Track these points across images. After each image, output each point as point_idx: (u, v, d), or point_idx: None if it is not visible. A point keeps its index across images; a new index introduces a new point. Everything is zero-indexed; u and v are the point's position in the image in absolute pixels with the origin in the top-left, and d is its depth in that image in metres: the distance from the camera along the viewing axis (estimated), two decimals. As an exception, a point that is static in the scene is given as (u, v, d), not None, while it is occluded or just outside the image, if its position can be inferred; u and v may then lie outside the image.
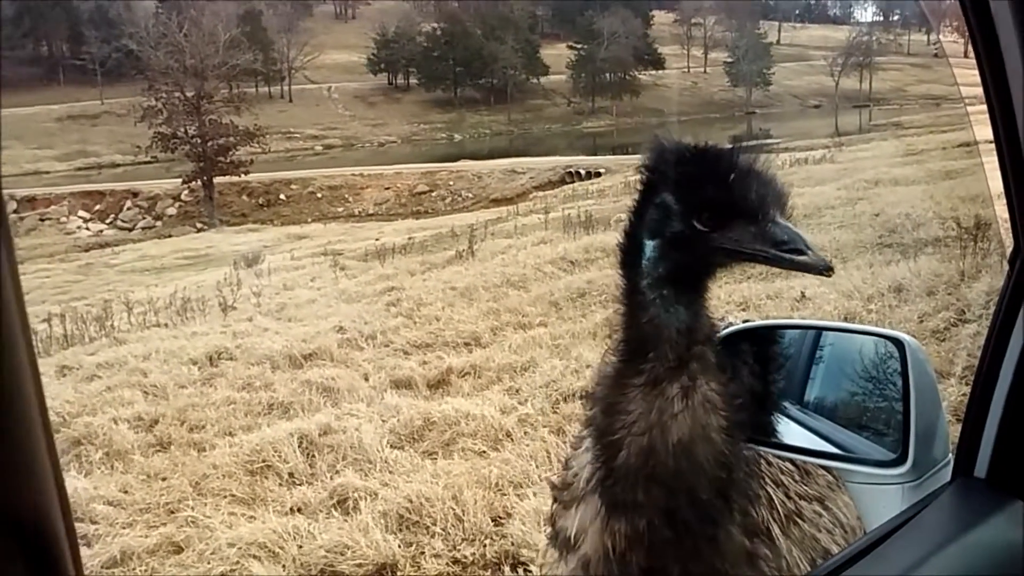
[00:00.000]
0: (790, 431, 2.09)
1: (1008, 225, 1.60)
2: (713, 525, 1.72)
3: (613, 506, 1.73)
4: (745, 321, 2.40)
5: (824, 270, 1.54)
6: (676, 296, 1.66)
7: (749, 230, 1.58)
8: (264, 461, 6.60)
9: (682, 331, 1.65)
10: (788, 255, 1.56)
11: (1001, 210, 1.64)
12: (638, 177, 1.72)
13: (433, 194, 42.53)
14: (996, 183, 1.60)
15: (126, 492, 6.41)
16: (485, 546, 5.03)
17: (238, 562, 5.05)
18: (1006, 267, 1.64)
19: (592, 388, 1.89)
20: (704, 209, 1.61)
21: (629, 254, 1.72)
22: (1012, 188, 1.52)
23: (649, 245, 1.68)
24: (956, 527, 1.57)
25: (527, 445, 6.30)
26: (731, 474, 1.72)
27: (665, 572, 1.72)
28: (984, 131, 1.60)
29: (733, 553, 1.78)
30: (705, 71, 75.39)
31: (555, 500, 2.07)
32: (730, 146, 1.65)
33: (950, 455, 1.87)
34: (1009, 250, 1.64)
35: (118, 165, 50.74)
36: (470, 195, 41.83)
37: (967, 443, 1.68)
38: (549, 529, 2.11)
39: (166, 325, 13.17)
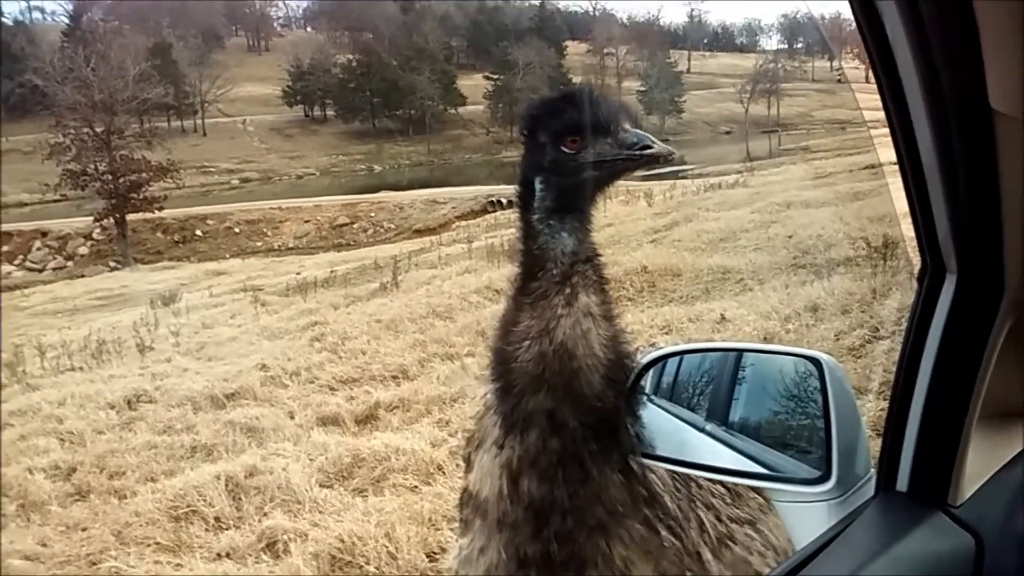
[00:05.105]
0: (717, 452, 2.13)
1: (915, 243, 1.68)
2: (595, 437, 1.89)
3: (509, 426, 1.93)
4: (675, 345, 2.45)
5: (669, 156, 1.92)
6: (561, 224, 1.96)
7: (607, 143, 1.92)
8: (189, 506, 6.44)
9: (566, 252, 1.95)
10: (639, 151, 1.90)
11: (907, 228, 1.71)
12: (520, 130, 2.07)
13: (354, 226, 42.10)
14: (900, 203, 1.68)
15: (44, 545, 6.19)
16: (420, 583, 4.99)
17: (165, 612, 4.91)
18: (915, 285, 1.71)
19: (491, 336, 2.12)
20: (567, 134, 1.93)
21: (524, 199, 2.03)
22: (917, 209, 1.58)
23: (537, 183, 1.99)
24: (881, 541, 1.61)
25: (459, 478, 6.26)
26: (610, 384, 1.91)
27: (553, 500, 1.87)
28: (887, 153, 1.68)
29: (613, 482, 1.93)
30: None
31: (466, 465, 2.25)
32: (582, 84, 1.94)
33: (872, 470, 1.92)
34: (917, 268, 1.71)
35: (25, 204, 48.76)
36: (392, 226, 41.53)
37: (888, 458, 1.73)
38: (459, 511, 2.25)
39: (81, 369, 12.74)
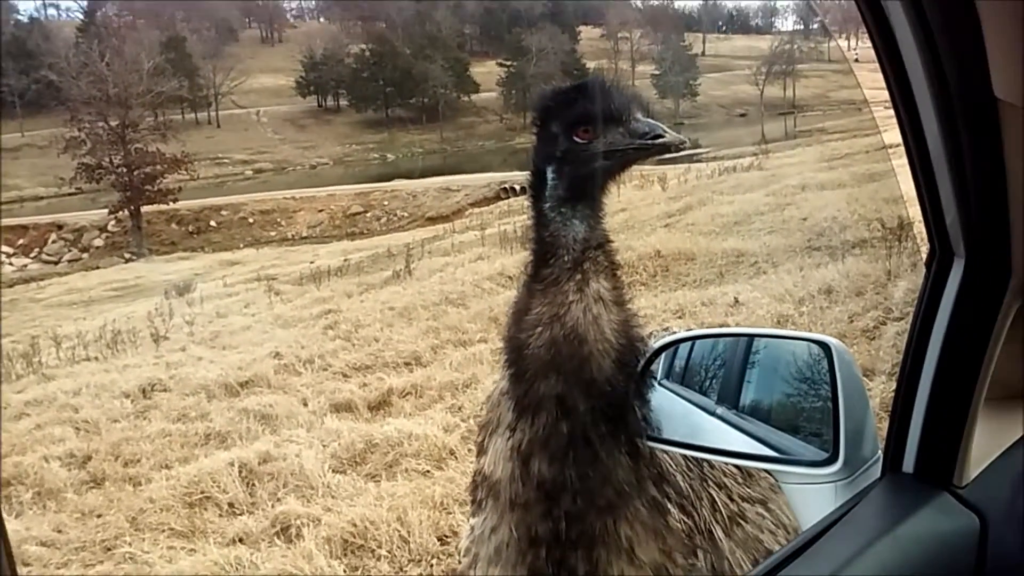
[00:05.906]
0: (727, 435, 2.12)
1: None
2: (604, 420, 1.92)
3: (520, 410, 1.95)
4: (688, 330, 2.47)
5: (680, 144, 1.93)
6: (573, 212, 1.98)
7: (619, 132, 1.94)
8: (203, 492, 6.48)
9: (578, 239, 1.97)
10: (650, 141, 1.92)
11: (915, 212, 1.71)
12: (532, 121, 2.08)
13: (368, 214, 42.14)
14: (909, 186, 1.66)
15: (60, 531, 6.24)
16: (432, 566, 5.01)
17: (179, 598, 4.94)
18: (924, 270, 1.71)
19: (504, 324, 2.15)
20: (579, 125, 1.95)
21: (536, 188, 2.05)
22: (925, 196, 1.59)
23: (549, 172, 2.01)
24: (887, 521, 1.62)
25: (471, 462, 6.26)
26: (621, 368, 1.93)
27: (563, 481, 1.91)
28: (894, 136, 1.67)
29: (621, 464, 1.96)
30: (633, 84, 76.10)
31: (479, 451, 2.30)
32: (595, 75, 1.93)
33: (879, 452, 1.92)
34: (926, 252, 1.70)
35: (41, 198, 49.07)
36: (405, 214, 41.56)
37: (894, 440, 1.74)
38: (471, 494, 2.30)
39: (96, 359, 12.83)
